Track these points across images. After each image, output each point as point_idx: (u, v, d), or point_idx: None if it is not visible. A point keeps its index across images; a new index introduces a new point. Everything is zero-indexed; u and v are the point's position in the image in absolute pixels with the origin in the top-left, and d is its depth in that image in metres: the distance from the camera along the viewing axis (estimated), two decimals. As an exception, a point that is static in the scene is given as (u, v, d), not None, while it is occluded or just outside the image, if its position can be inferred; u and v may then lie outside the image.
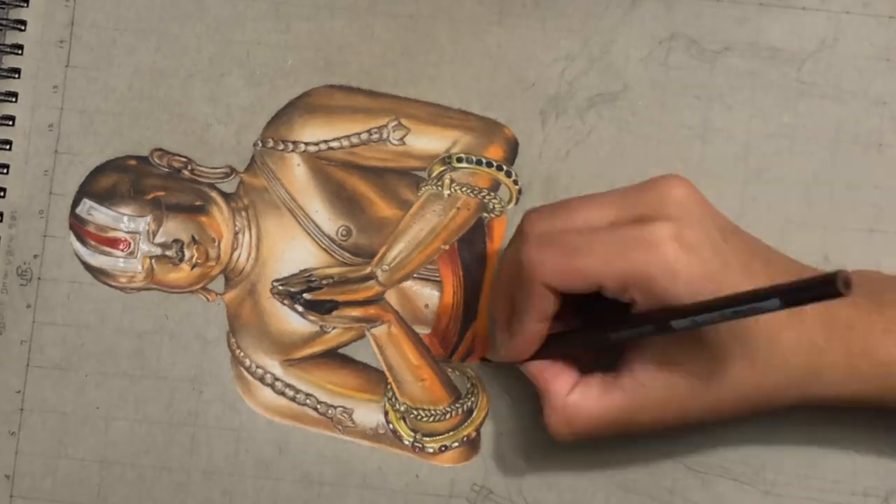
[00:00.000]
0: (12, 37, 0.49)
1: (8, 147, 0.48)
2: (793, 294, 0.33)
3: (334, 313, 0.48)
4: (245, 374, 0.47)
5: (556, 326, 0.42)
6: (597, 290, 0.39)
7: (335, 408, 0.47)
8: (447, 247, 0.48)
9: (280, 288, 0.48)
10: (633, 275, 0.38)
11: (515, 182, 0.48)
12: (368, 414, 0.47)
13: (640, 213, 0.39)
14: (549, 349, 0.42)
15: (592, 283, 0.39)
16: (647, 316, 0.39)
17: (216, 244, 0.48)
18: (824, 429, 0.46)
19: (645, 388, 0.40)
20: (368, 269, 0.48)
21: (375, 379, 0.47)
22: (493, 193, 0.48)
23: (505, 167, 0.48)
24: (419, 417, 0.47)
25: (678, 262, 0.37)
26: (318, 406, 0.47)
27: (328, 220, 0.48)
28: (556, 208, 0.41)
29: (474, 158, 0.48)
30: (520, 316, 0.41)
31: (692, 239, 0.38)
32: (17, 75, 0.49)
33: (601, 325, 0.41)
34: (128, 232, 0.48)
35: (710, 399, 0.40)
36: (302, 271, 0.48)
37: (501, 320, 0.43)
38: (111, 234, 0.48)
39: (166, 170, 0.48)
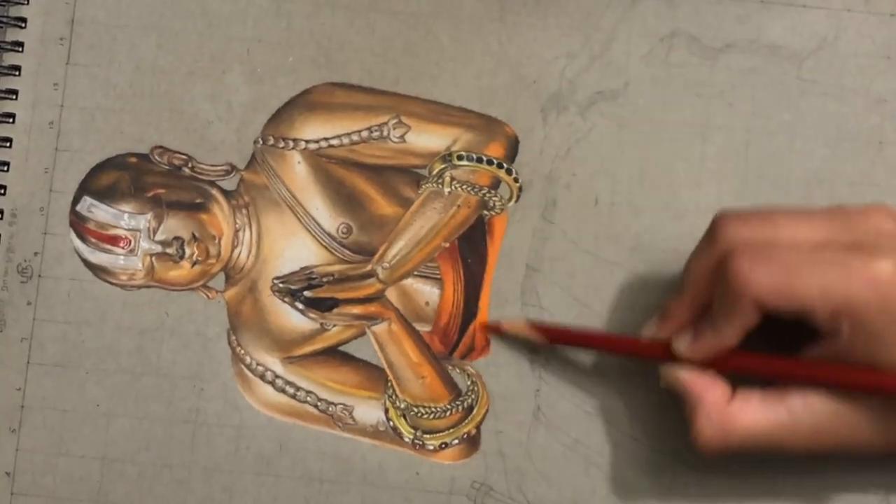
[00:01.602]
0: (13, 34, 0.49)
1: (8, 144, 0.48)
2: None
3: (335, 311, 0.48)
4: (245, 371, 0.47)
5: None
6: (800, 315, 0.38)
7: (335, 405, 0.47)
8: (448, 244, 0.48)
9: (280, 285, 0.48)
10: (850, 307, 0.37)
11: (516, 180, 0.48)
12: (369, 411, 0.47)
13: (856, 239, 0.38)
14: (724, 361, 0.41)
15: (805, 306, 0.37)
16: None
17: (217, 241, 0.48)
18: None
19: (814, 412, 0.39)
20: (369, 267, 0.48)
21: (376, 376, 0.47)
22: (493, 191, 0.48)
23: (506, 165, 0.48)
24: (419, 414, 0.47)
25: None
26: (319, 403, 0.47)
27: (329, 217, 0.48)
28: (759, 218, 0.40)
29: (475, 156, 0.48)
30: (716, 324, 0.40)
31: None
32: (17, 72, 0.49)
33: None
34: (128, 229, 0.48)
35: (886, 435, 0.39)
36: (302, 269, 0.48)
37: (683, 319, 0.41)
38: (112, 232, 0.48)
39: (167, 167, 0.48)
